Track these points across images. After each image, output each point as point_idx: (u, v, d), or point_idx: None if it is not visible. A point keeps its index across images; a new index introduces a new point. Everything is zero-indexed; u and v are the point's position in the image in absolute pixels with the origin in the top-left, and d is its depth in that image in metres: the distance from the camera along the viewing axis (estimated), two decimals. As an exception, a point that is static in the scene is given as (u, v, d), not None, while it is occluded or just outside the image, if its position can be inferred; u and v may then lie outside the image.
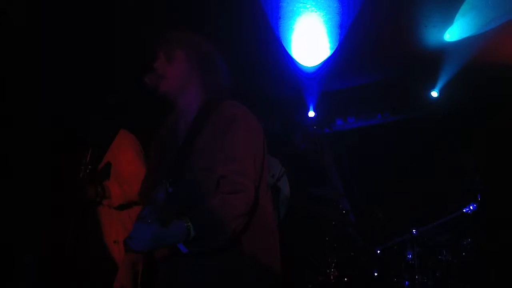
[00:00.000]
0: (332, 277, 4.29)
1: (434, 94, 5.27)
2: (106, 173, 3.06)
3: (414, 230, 3.93)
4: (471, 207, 3.85)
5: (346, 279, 4.30)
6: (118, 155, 3.18)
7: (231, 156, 1.89)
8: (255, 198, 1.90)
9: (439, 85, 5.16)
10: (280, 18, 4.20)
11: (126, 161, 3.16)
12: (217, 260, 1.86)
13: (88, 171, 2.99)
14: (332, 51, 4.73)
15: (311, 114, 5.67)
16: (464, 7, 4.05)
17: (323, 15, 4.21)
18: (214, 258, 1.86)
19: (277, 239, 2.05)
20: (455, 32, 4.43)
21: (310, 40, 4.54)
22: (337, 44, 4.61)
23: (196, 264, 1.86)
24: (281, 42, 4.52)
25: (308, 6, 4.06)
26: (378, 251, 4.23)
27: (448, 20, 4.24)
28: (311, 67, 5.00)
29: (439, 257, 3.90)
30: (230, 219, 1.81)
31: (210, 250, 1.82)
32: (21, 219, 3.66)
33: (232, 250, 1.86)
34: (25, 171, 3.82)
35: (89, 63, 3.93)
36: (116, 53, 4.05)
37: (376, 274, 4.21)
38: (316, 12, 4.16)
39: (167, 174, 1.95)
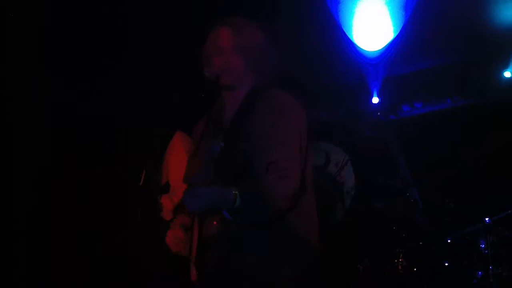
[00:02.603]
0: (400, 268, 4.18)
1: (507, 74, 5.00)
2: (166, 188, 3.10)
3: (487, 219, 3.76)
4: (550, 194, 3.61)
5: (415, 269, 4.18)
6: (168, 158, 3.21)
7: (280, 142, 1.96)
8: (301, 183, 1.97)
9: (513, 64, 4.89)
10: (339, 2, 4.13)
11: (172, 166, 3.18)
12: (267, 242, 1.92)
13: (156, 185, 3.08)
14: (396, 34, 4.59)
15: (375, 100, 5.52)
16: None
17: (385, -4, 4.08)
18: (264, 241, 1.92)
19: (316, 226, 2.09)
20: (531, 6, 4.16)
21: (372, 24, 4.43)
22: (401, 26, 4.46)
23: (245, 246, 1.92)
24: (341, 27, 4.44)
25: (369, -13, 3.96)
26: (449, 240, 4.08)
27: (523, -6, 3.99)
28: (374, 51, 4.88)
29: (516, 247, 3.71)
30: (277, 199, 1.89)
31: (254, 225, 1.91)
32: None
33: (275, 231, 1.94)
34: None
35: (148, 59, 3.99)
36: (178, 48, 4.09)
37: (447, 264, 4.06)
38: (377, -7, 4.05)
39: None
